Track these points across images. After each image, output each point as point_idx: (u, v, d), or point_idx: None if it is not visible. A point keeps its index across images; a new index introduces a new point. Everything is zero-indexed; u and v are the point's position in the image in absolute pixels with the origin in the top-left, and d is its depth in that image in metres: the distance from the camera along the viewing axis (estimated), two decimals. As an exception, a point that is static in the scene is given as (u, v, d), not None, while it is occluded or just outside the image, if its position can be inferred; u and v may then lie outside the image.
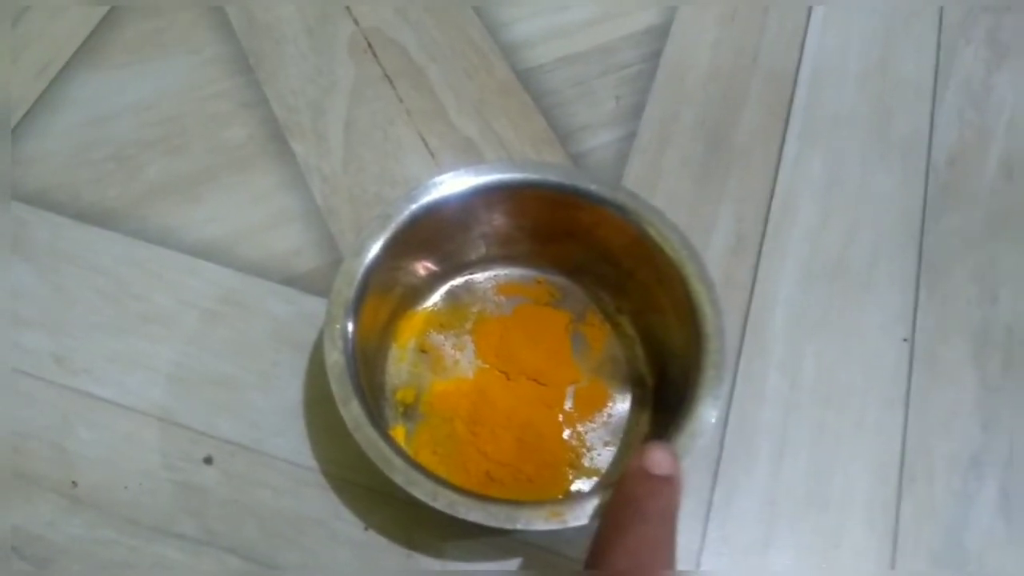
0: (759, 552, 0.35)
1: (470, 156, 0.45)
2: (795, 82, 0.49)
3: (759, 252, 0.43)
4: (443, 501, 0.28)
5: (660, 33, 0.50)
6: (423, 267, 0.37)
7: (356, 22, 0.49)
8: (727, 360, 0.32)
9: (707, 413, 0.30)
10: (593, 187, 0.35)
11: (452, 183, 0.35)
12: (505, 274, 0.39)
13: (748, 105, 0.48)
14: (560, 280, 0.39)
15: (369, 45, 0.49)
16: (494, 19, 0.50)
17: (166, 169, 0.44)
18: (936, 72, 0.50)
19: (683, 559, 0.35)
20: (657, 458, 0.27)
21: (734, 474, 0.37)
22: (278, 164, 0.44)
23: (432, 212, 0.35)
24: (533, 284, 0.39)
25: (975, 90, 0.49)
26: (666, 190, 0.44)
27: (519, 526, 0.28)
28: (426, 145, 0.45)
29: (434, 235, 0.36)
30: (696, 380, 0.31)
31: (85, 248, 0.41)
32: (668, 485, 0.27)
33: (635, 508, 0.26)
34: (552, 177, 0.36)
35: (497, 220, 0.37)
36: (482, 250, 0.38)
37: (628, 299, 0.38)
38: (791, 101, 0.48)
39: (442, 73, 0.48)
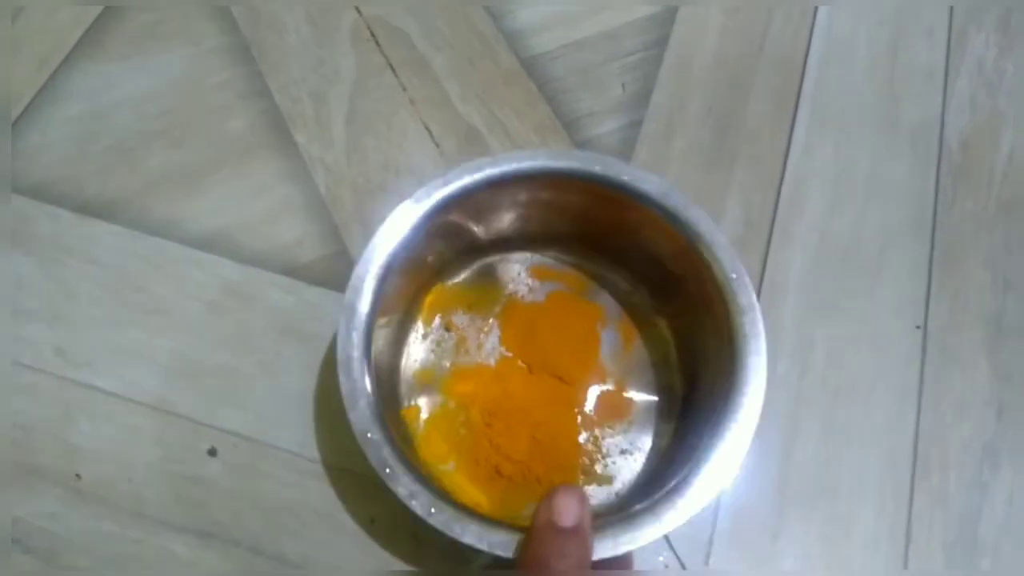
0: (769, 542, 0.35)
1: (474, 145, 0.44)
2: (804, 68, 0.48)
3: (768, 239, 0.42)
4: (440, 518, 0.27)
5: (666, 19, 0.49)
6: (457, 241, 0.36)
7: (359, 11, 0.49)
8: (759, 405, 0.29)
9: (726, 468, 0.29)
10: (646, 187, 0.33)
11: (496, 164, 0.33)
12: (540, 258, 0.38)
13: (756, 92, 0.47)
14: (599, 271, 0.37)
15: (372, 34, 0.48)
16: (498, 6, 0.49)
17: (168, 161, 0.43)
18: (947, 57, 0.49)
19: (693, 549, 0.34)
20: (564, 505, 0.26)
21: (743, 463, 0.36)
22: (280, 155, 0.44)
23: (472, 191, 0.33)
24: (570, 271, 0.38)
25: (987, 75, 0.48)
26: (674, 177, 0.43)
27: (512, 555, 0.27)
28: (430, 134, 0.45)
29: (473, 213, 0.35)
30: (719, 428, 0.29)
31: (86, 241, 0.40)
32: (576, 539, 0.26)
33: (545, 573, 0.25)
34: (602, 170, 0.33)
35: (540, 205, 0.35)
36: (520, 230, 0.37)
37: (668, 302, 0.36)
38: (800, 88, 0.47)
39: (446, 61, 0.47)
